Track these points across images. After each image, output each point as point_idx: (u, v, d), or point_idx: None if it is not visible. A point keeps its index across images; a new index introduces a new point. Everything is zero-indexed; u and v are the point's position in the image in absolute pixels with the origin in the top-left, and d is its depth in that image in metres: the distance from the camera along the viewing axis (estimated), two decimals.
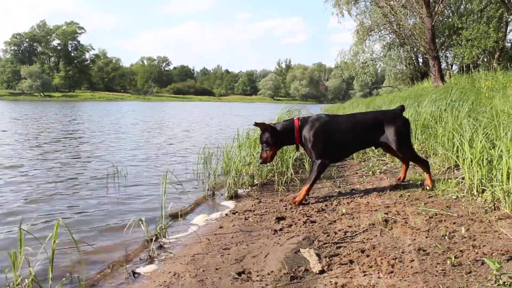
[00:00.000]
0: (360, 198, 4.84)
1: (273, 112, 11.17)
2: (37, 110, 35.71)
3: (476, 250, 2.96)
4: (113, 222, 4.63)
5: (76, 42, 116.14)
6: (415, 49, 29.16)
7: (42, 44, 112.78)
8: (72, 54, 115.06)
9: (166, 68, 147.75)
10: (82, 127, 18.38)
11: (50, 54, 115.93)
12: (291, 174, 6.07)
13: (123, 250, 3.75)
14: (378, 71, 41.95)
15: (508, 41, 25.45)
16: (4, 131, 15.77)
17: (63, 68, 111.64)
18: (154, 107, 52.84)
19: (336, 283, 2.67)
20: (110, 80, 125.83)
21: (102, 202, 5.54)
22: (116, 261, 3.52)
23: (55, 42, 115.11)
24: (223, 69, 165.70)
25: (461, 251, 2.98)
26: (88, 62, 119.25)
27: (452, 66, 29.48)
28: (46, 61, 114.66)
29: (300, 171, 6.49)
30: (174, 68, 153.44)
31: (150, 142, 12.98)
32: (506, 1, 22.15)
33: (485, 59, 24.29)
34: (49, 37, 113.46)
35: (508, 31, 24.83)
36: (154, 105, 66.66)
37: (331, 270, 2.88)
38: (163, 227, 3.98)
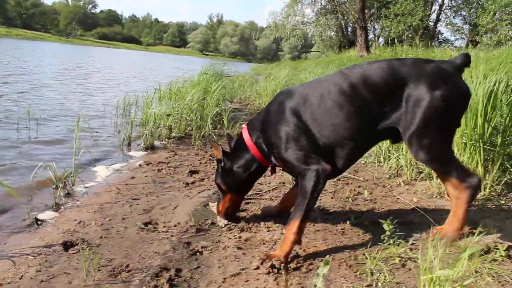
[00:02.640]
0: None
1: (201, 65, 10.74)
2: None
3: (375, 212, 3.13)
4: (20, 166, 4.38)
5: None
6: (345, 17, 29.72)
7: None
8: None
9: (92, 11, 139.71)
10: None
11: None
12: (209, 129, 6.06)
13: (27, 196, 3.58)
14: (309, 36, 42.44)
15: (431, 20, 26.64)
16: None
17: None
18: (77, 51, 49.99)
19: (240, 237, 2.72)
20: (29, 17, 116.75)
21: (11, 145, 5.19)
22: (19, 206, 3.35)
23: None
24: (153, 18, 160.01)
25: (361, 212, 3.15)
26: None
27: (378, 38, 30.50)
28: None
29: (218, 127, 6.47)
30: (101, 11, 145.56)
31: (71, 87, 12.26)
32: None
33: (410, 35, 25.34)
34: None
35: (432, 11, 25.98)
36: (78, 49, 63.05)
37: (236, 224, 2.93)
38: (72, 175, 3.84)
